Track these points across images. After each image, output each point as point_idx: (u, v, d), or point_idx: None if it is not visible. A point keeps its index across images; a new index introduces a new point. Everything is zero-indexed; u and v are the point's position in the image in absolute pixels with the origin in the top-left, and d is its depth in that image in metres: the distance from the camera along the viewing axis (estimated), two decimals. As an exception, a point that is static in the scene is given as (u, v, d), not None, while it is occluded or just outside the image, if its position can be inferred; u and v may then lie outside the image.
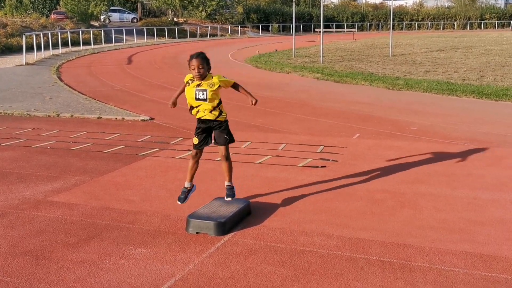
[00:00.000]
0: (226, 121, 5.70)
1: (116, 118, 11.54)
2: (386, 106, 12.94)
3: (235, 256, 4.81)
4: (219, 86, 5.53)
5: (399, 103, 13.51)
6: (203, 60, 5.41)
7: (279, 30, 71.45)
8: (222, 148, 5.66)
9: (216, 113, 5.60)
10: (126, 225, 5.57)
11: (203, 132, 5.68)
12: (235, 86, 5.70)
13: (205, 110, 5.57)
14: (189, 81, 5.60)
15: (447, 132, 9.97)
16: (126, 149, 8.84)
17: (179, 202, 5.74)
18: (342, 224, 5.52)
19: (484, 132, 9.88)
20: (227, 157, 5.69)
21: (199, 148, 5.71)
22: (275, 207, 6.05)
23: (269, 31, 69.95)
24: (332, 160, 7.98)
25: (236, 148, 8.45)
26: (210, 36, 59.14)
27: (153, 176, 7.32)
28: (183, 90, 5.81)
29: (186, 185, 5.79)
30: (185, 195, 5.74)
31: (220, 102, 5.66)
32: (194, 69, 5.37)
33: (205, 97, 5.52)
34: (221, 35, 60.73)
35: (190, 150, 8.27)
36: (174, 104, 5.87)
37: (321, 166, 7.65)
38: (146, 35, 49.67)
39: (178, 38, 53.49)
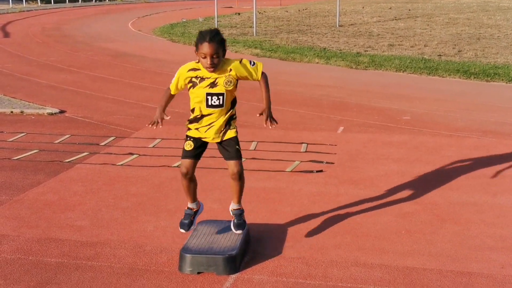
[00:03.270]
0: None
1: (12, 112, 10.78)
2: (358, 90, 12.97)
3: (258, 301, 4.47)
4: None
5: (373, 85, 13.59)
6: (220, 45, 4.65)
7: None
8: (232, 164, 4.93)
9: (228, 127, 4.94)
10: (87, 263, 5.09)
11: (199, 139, 5.02)
12: (263, 78, 4.91)
13: (216, 121, 4.87)
14: (193, 79, 4.81)
15: (449, 121, 10.07)
16: (43, 155, 8.22)
17: (182, 230, 5.13)
18: (377, 249, 5.33)
19: (494, 121, 10.07)
20: (241, 175, 4.95)
21: (193, 156, 4.95)
22: (280, 229, 5.77)
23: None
24: (327, 162, 7.80)
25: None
26: (96, 0, 57.58)
27: (96, 192, 6.82)
28: (170, 97, 5.01)
29: (190, 206, 5.21)
30: (191, 218, 5.17)
31: (235, 102, 5.00)
32: (204, 57, 4.65)
33: (220, 103, 4.82)
34: (110, -1, 59.39)
35: (132, 154, 7.88)
36: (160, 120, 4.96)
37: (317, 171, 7.44)
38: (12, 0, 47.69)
39: (54, 2, 51.68)
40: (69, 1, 54.08)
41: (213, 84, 4.79)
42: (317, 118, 10.38)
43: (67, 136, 9.20)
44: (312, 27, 27.13)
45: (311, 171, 7.44)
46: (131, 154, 8.18)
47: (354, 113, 10.76)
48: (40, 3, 51.11)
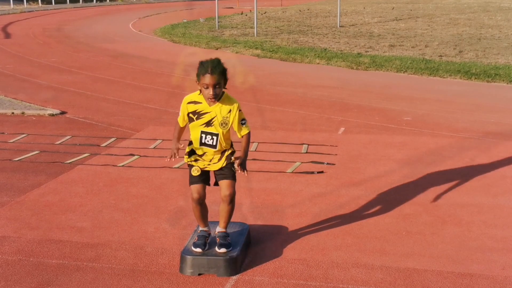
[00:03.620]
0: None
1: (13, 113, 10.78)
2: (359, 91, 12.96)
3: (259, 302, 4.47)
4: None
5: (373, 86, 13.58)
6: (222, 75, 4.66)
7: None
8: (225, 184, 4.89)
9: (224, 160, 4.93)
10: (88, 265, 5.09)
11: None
12: (246, 136, 4.97)
13: (210, 160, 4.92)
14: (190, 114, 4.83)
15: (450, 122, 10.07)
16: (44, 156, 8.22)
17: (199, 250, 4.92)
18: (377, 250, 5.33)
19: (495, 122, 10.06)
20: (232, 199, 4.91)
21: (202, 181, 4.93)
22: (280, 230, 5.77)
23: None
24: (328, 163, 7.80)
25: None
26: (96, 1, 57.57)
27: (97, 193, 6.82)
28: (181, 129, 5.04)
29: (203, 229, 5.13)
30: (205, 240, 5.02)
31: (231, 144, 5.02)
32: (207, 87, 4.66)
33: (213, 143, 4.84)
34: (111, 0, 59.33)
35: (132, 155, 7.88)
36: (176, 151, 5.01)
37: (318, 172, 7.44)
38: (13, 0, 47.64)
39: (55, 3, 51.68)
40: (70, 2, 54.08)
41: (208, 123, 4.80)
42: (318, 119, 10.38)
43: (68, 137, 9.19)
44: (313, 28, 27.12)
45: (312, 172, 7.44)
46: (132, 155, 8.18)
47: (355, 114, 10.76)
48: (41, 3, 51.13)
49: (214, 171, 4.98)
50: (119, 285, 4.73)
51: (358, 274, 4.89)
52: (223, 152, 4.94)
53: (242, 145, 4.95)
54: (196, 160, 4.97)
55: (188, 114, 4.86)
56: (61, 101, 11.97)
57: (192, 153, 4.99)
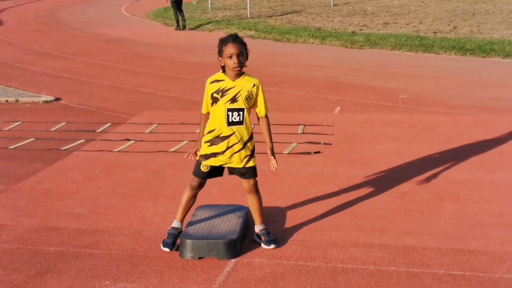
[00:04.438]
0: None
1: (7, 101, 10.73)
2: (354, 70, 12.92)
3: (259, 284, 4.48)
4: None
5: (368, 64, 13.54)
6: (243, 45, 4.70)
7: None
8: (248, 182, 4.96)
9: (246, 158, 4.88)
10: (87, 251, 5.08)
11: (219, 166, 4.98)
12: (267, 118, 4.97)
13: (232, 154, 4.84)
14: (214, 94, 4.75)
15: (446, 99, 10.04)
16: (40, 143, 8.19)
17: (166, 249, 4.93)
18: (376, 229, 5.33)
19: (490, 98, 10.04)
20: (257, 187, 5.00)
21: (205, 177, 4.96)
22: (279, 212, 5.76)
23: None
24: (324, 143, 7.78)
25: (191, 135, 8.04)
26: (88, -14, 57.10)
27: (94, 179, 6.80)
28: (205, 119, 4.91)
29: (174, 225, 5.10)
30: (174, 238, 4.99)
31: (252, 133, 4.95)
32: (230, 57, 4.64)
33: (240, 119, 4.78)
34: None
35: (128, 140, 7.85)
36: (194, 153, 5.01)
37: (314, 152, 7.42)
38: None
39: (46, -11, 51.23)
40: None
41: (234, 99, 4.74)
42: (314, 99, 10.34)
43: (63, 123, 9.15)
44: (307, 7, 26.97)
45: (309, 153, 7.42)
46: (128, 140, 8.15)
47: (350, 93, 10.72)
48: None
49: (234, 169, 4.93)
50: (118, 270, 4.72)
51: (357, 254, 4.89)
52: (245, 143, 4.86)
53: (265, 131, 4.95)
54: (215, 156, 4.87)
55: (212, 95, 4.79)
56: (55, 87, 11.91)
57: (206, 155, 4.89)
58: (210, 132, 4.85)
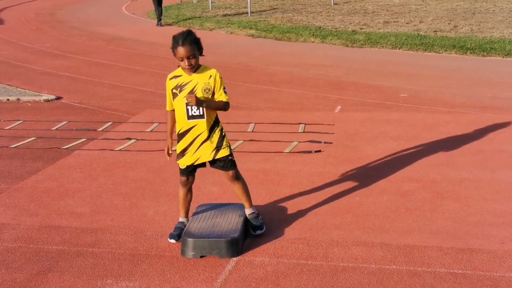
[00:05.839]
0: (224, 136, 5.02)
1: (8, 100, 10.73)
2: (355, 68, 12.92)
3: (260, 283, 4.48)
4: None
5: (369, 63, 13.54)
6: (194, 45, 4.69)
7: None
8: (229, 175, 5.08)
9: (220, 146, 4.93)
10: (88, 250, 5.09)
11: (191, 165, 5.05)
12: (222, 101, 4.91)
13: (200, 144, 4.90)
14: (173, 90, 4.85)
15: (446, 98, 10.04)
16: (41, 142, 8.20)
17: (172, 241, 5.07)
18: (377, 228, 5.34)
19: (491, 97, 10.04)
20: (238, 176, 5.11)
21: (189, 173, 5.06)
22: (279, 210, 5.77)
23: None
24: (325, 142, 7.79)
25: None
26: (89, -15, 57.10)
27: (95, 177, 6.80)
28: (171, 116, 5.00)
29: (182, 220, 5.22)
30: (181, 231, 5.07)
31: (217, 119, 5.00)
32: (182, 60, 4.71)
33: (201, 113, 4.82)
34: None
35: (129, 139, 7.86)
36: (168, 151, 5.12)
37: (315, 151, 7.43)
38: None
39: (47, -12, 51.26)
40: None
41: (192, 93, 4.77)
42: (314, 98, 10.35)
43: (64, 122, 9.16)
44: (307, 6, 26.97)
45: (310, 152, 7.42)
46: (129, 139, 8.16)
47: (351, 91, 10.73)
48: (32, -12, 50.64)
49: (211, 164, 5.03)
50: (120, 269, 4.73)
51: (358, 252, 4.90)
52: (211, 129, 4.90)
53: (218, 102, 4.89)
54: (184, 153, 4.95)
55: (172, 91, 4.88)
56: (56, 86, 11.92)
57: (180, 153, 4.98)
58: (179, 128, 4.94)
